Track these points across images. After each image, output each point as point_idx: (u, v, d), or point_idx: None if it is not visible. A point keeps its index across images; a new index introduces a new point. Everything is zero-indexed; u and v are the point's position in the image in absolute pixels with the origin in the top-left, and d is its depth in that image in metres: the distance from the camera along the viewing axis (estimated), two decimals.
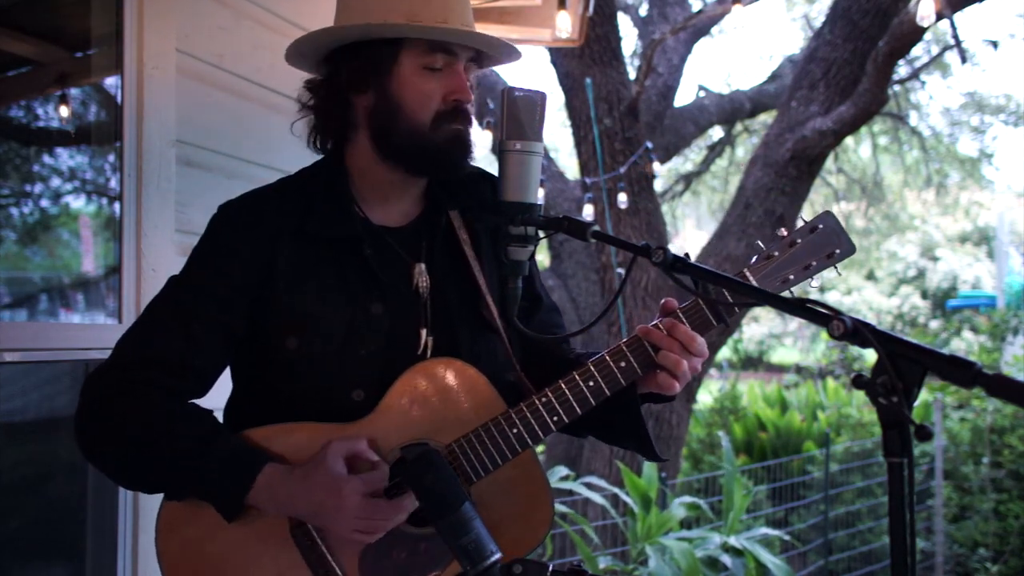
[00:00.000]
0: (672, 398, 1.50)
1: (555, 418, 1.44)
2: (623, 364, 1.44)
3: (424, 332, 1.51)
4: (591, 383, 1.44)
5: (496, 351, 1.55)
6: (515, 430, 1.44)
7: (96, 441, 1.43)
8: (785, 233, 1.46)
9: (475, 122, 1.55)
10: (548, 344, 1.68)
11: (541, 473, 1.51)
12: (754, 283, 1.44)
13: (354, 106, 1.52)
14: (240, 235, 1.48)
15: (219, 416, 1.53)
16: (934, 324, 17.57)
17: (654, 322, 1.45)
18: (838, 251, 1.44)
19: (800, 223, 1.46)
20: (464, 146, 1.48)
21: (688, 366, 1.44)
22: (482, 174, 1.63)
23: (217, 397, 1.53)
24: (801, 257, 1.44)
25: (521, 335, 1.50)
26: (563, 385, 1.44)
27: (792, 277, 1.44)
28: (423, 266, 1.53)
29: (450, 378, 1.47)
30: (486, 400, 1.47)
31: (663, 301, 1.48)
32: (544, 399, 1.44)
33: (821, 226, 1.44)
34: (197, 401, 1.48)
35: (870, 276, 20.18)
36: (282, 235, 1.47)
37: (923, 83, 11.63)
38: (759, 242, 1.49)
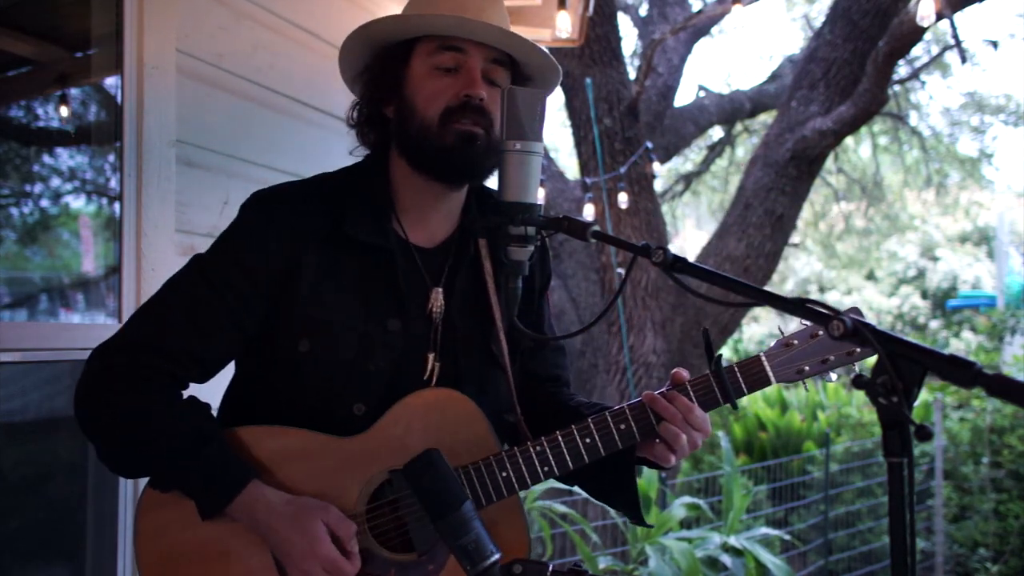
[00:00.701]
0: (668, 469, 1.49)
1: (546, 469, 1.43)
2: (623, 427, 1.43)
3: (432, 357, 1.50)
4: (587, 440, 1.43)
5: (499, 389, 1.54)
6: (504, 474, 1.43)
7: (95, 422, 1.42)
8: (808, 323, 1.41)
9: (495, 124, 1.47)
10: (547, 387, 1.69)
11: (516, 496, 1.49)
12: (768, 368, 1.43)
13: (388, 119, 1.52)
14: (268, 232, 1.45)
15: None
16: (934, 324, 17.56)
17: (660, 391, 1.45)
18: (859, 350, 1.39)
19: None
20: (473, 146, 1.44)
21: (687, 440, 1.42)
22: None
23: (213, 388, 1.53)
24: (821, 350, 1.41)
25: (520, 334, 1.48)
26: (559, 437, 1.43)
27: (807, 368, 1.42)
28: (440, 291, 1.52)
29: (451, 410, 1.46)
30: (481, 438, 1.46)
31: (673, 371, 1.47)
32: (539, 448, 1.43)
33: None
34: (197, 388, 1.47)
35: (870, 276, 20.14)
36: (311, 236, 1.45)
37: (923, 83, 11.63)
38: (779, 327, 1.45)
